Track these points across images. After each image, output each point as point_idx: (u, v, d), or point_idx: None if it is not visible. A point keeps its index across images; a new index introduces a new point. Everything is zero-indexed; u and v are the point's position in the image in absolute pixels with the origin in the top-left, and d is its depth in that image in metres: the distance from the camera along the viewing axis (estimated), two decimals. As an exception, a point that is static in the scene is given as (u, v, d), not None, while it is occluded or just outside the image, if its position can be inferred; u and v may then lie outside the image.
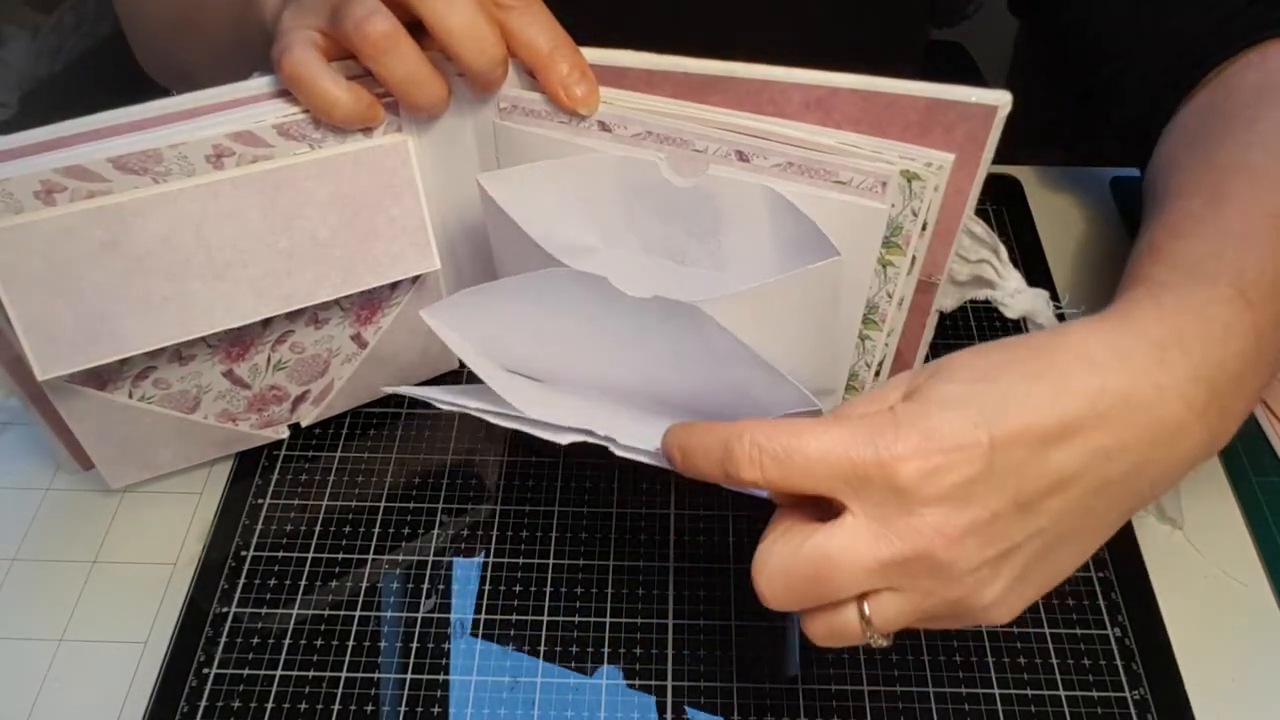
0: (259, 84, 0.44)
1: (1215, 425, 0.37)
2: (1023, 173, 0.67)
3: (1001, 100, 0.39)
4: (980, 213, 0.47)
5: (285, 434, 0.53)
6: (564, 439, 0.41)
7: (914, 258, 0.45)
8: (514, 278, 0.43)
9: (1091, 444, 0.34)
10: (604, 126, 0.44)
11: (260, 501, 0.51)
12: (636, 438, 0.39)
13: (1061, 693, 0.44)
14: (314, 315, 0.49)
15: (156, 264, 0.42)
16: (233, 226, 0.43)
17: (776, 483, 0.35)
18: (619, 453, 0.40)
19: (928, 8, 0.70)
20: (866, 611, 0.35)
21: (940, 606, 0.35)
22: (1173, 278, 0.40)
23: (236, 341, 0.47)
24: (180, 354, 0.46)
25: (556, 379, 0.47)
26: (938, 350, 0.57)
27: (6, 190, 0.39)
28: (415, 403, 0.55)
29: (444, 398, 0.44)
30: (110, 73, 0.65)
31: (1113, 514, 0.37)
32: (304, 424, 0.53)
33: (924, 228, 0.43)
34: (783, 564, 0.35)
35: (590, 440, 0.41)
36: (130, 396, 0.46)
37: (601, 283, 0.40)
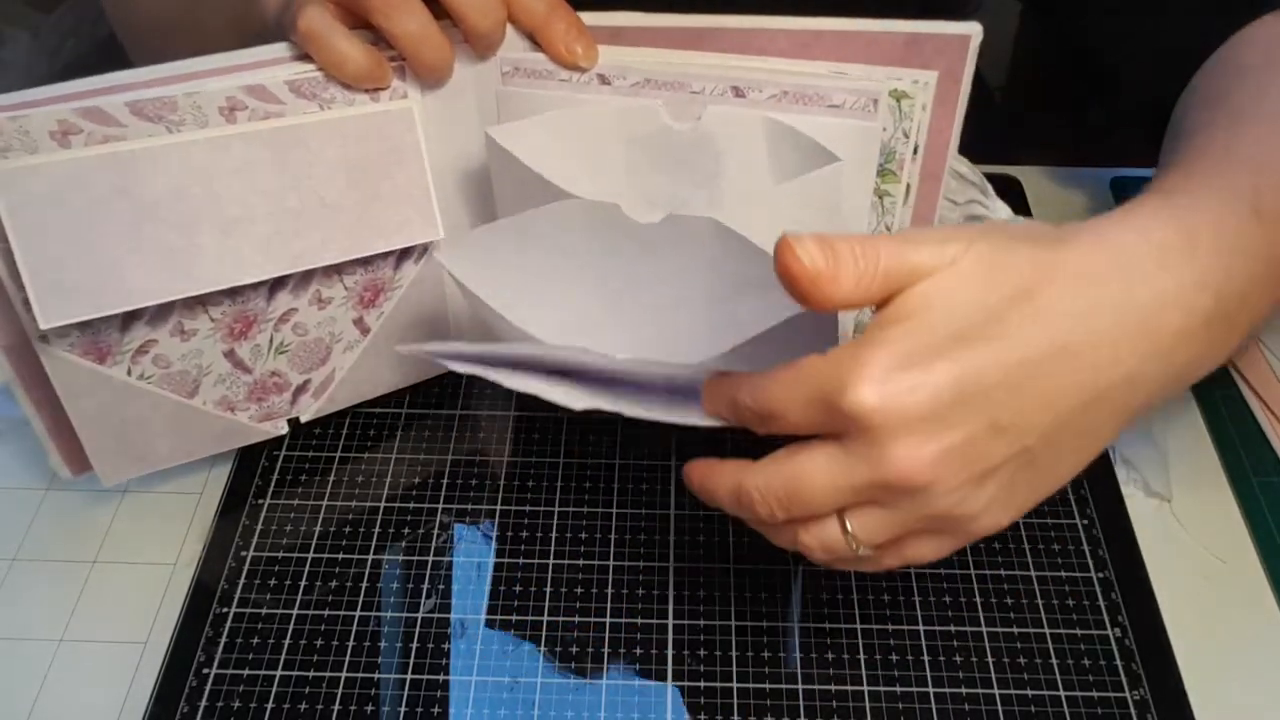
0: (275, 49, 0.45)
1: (1219, 337, 0.36)
2: (1023, 173, 0.67)
3: (974, 30, 0.43)
4: (980, 212, 0.47)
5: (284, 429, 0.53)
6: (579, 403, 0.40)
7: (909, 185, 0.46)
8: (527, 213, 0.43)
9: (1079, 364, 0.34)
10: (604, 79, 0.46)
11: (260, 501, 0.51)
12: (648, 353, 0.39)
13: (1061, 693, 0.44)
14: (318, 294, 0.49)
15: (167, 215, 0.43)
16: (243, 182, 0.44)
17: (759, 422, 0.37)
18: (629, 412, 0.40)
19: (921, 6, 0.70)
20: (849, 526, 0.36)
21: (922, 522, 0.35)
22: (1186, 185, 0.38)
23: (240, 317, 0.47)
24: (183, 327, 0.46)
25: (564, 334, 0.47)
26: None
27: (23, 129, 0.40)
28: (415, 403, 0.55)
29: (449, 352, 0.43)
30: (110, 73, 0.65)
31: (1106, 425, 0.36)
32: (304, 419, 0.53)
33: (915, 151, 0.45)
34: (764, 478, 0.36)
35: (605, 408, 0.40)
36: (129, 374, 0.46)
37: (613, 210, 0.41)
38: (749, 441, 0.53)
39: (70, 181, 0.41)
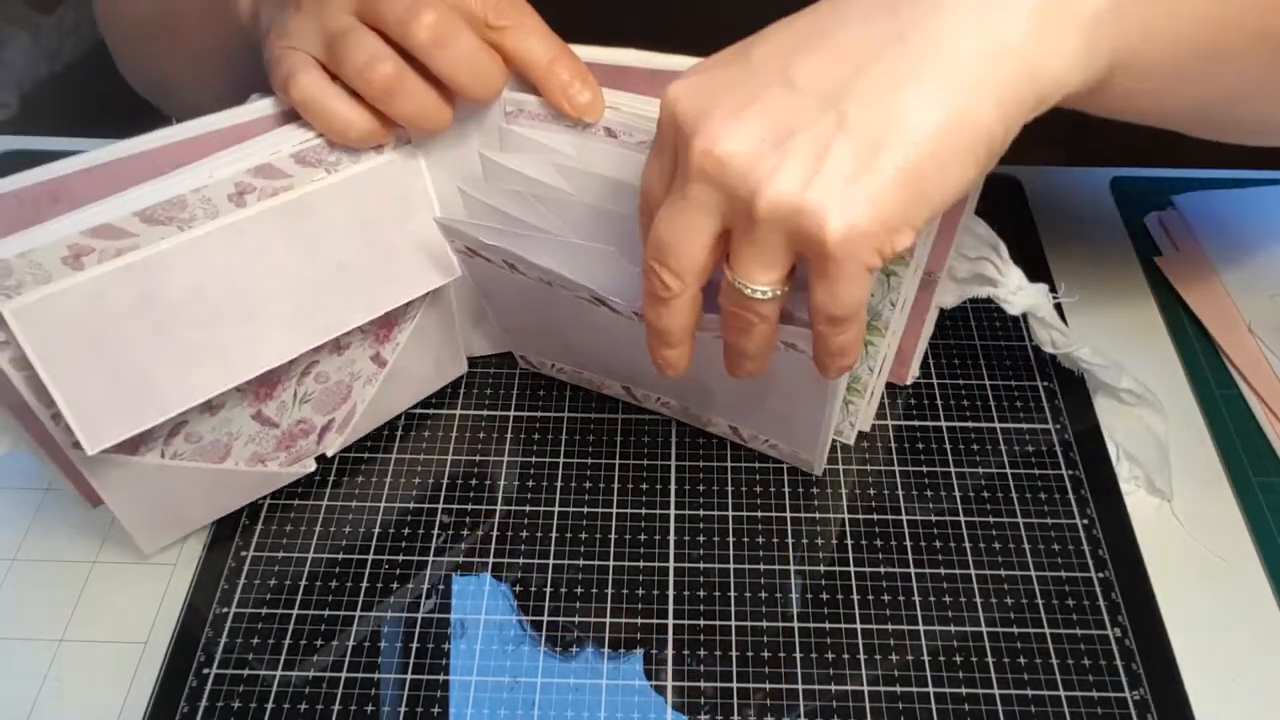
0: (261, 106, 0.44)
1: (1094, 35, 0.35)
2: (1023, 173, 0.67)
3: None
4: (980, 213, 0.47)
5: (312, 467, 0.52)
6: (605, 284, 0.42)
7: (917, 267, 0.45)
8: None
9: (852, 13, 0.35)
10: (610, 133, 0.44)
11: (261, 502, 0.51)
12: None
13: (1061, 693, 0.44)
14: (336, 341, 0.48)
15: (190, 315, 0.41)
16: (259, 263, 0.43)
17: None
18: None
19: None
20: (730, 270, 0.36)
21: (771, 226, 0.34)
22: None
23: (265, 381, 0.46)
24: (211, 404, 0.45)
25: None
26: (937, 347, 0.57)
27: (34, 261, 0.37)
28: (417, 405, 0.55)
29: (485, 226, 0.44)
30: (110, 73, 0.65)
31: (912, 71, 0.34)
32: (329, 453, 0.52)
33: (928, 233, 0.43)
34: (645, 251, 0.38)
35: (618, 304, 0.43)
36: (163, 456, 0.45)
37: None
38: (747, 447, 0.53)
39: (90, 301, 0.39)
